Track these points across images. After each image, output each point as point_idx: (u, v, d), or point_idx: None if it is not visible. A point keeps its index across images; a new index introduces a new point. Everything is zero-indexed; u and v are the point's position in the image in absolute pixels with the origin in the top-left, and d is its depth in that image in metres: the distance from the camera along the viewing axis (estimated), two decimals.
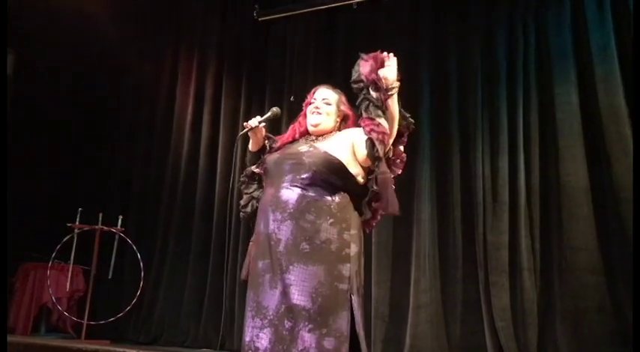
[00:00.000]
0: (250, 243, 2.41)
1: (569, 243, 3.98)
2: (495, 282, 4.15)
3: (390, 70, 2.28)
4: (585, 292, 3.88)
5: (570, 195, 4.04)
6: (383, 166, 2.24)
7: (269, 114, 2.49)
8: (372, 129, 2.24)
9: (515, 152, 4.29)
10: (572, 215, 4.01)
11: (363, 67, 2.31)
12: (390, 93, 2.26)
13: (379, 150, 2.22)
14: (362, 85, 2.30)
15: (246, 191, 2.50)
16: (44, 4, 5.56)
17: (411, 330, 4.31)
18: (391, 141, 2.30)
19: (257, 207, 2.41)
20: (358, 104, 2.33)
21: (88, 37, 6.12)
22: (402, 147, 2.40)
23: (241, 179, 2.55)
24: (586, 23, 4.20)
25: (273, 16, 5.39)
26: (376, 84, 2.27)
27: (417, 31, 4.90)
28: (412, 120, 2.39)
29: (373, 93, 2.26)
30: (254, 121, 2.45)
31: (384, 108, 2.26)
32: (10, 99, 5.43)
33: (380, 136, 2.23)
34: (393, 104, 2.28)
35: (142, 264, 5.18)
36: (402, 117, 2.34)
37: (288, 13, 5.33)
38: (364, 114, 2.29)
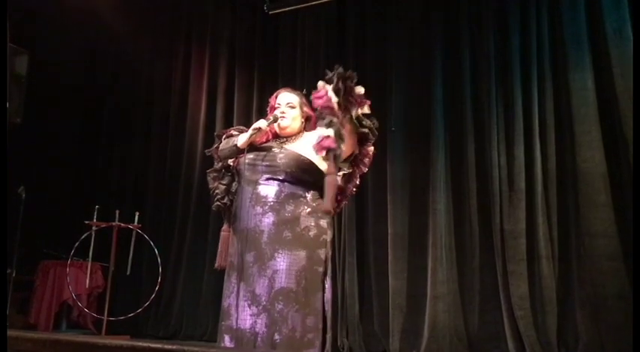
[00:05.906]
0: (222, 233, 2.56)
1: (588, 229, 3.94)
2: (513, 271, 4.12)
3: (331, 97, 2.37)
4: (604, 279, 3.83)
5: (587, 182, 3.99)
6: (331, 168, 2.37)
7: (272, 119, 2.62)
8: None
9: (531, 139, 4.24)
10: (589, 201, 3.96)
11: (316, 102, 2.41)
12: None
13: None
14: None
15: (222, 182, 2.60)
16: (56, 2, 5.59)
17: (429, 321, 4.30)
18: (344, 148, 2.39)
19: (232, 200, 2.56)
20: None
21: (100, 34, 6.16)
22: (371, 147, 2.56)
23: (216, 168, 2.64)
24: (600, 6, 4.12)
25: (283, 9, 5.38)
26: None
27: (428, 19, 4.86)
28: (371, 124, 2.48)
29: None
30: (263, 124, 2.57)
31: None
32: (24, 99, 5.48)
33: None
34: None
35: (159, 260, 5.22)
36: (355, 126, 2.44)
37: (298, 6, 5.31)
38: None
